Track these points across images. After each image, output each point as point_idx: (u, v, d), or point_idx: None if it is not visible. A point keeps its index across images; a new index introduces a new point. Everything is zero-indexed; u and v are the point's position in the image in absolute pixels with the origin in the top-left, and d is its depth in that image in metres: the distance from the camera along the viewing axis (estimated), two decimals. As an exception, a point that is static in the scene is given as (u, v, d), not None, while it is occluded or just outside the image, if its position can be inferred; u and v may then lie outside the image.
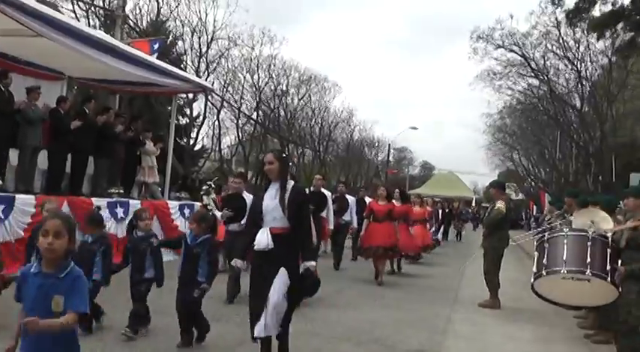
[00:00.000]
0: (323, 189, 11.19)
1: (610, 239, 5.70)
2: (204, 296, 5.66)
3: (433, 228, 19.40)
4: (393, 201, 11.72)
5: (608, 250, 5.48)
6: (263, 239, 4.91)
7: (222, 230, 8.92)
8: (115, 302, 6.48)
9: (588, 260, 5.18)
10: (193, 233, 5.76)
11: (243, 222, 9.54)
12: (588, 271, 5.16)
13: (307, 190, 9.89)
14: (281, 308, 4.80)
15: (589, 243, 5.27)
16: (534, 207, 47.85)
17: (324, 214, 10.71)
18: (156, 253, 6.00)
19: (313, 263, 4.96)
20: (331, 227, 11.37)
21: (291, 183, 5.11)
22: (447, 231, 27.36)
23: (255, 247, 4.94)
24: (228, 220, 8.76)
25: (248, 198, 8.88)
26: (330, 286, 8.42)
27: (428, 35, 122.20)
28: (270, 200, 5.04)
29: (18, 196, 8.75)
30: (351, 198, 13.51)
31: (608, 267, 5.44)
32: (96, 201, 10.25)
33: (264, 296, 4.81)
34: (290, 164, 5.87)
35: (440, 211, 23.53)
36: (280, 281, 4.83)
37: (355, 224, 13.26)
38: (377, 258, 11.09)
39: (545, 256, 5.52)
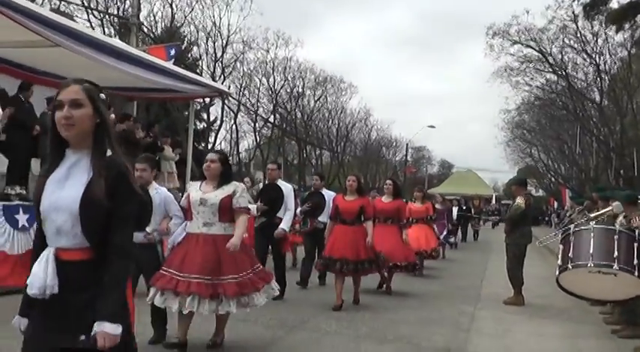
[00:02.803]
0: (281, 182, 8.76)
1: (637, 233, 5.63)
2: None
3: (445, 230, 16.81)
4: (382, 199, 9.77)
5: (635, 244, 5.41)
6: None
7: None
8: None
9: (615, 254, 5.11)
10: None
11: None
12: (615, 265, 5.09)
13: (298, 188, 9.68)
14: None
15: (616, 237, 5.20)
16: (555, 202, 47.55)
17: (281, 214, 8.35)
18: None
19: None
20: (284, 228, 8.24)
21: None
22: (466, 232, 25.08)
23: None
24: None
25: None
26: (352, 285, 8.40)
27: (442, 32, 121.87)
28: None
29: (41, 204, 8.79)
30: (328, 194, 10.02)
31: (636, 261, 5.37)
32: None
33: None
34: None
35: (455, 209, 21.55)
36: None
37: None
38: (337, 276, 8.09)
39: (571, 249, 5.46)
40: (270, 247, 8.47)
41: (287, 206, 8.37)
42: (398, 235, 9.46)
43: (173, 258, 5.29)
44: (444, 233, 16.43)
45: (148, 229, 5.44)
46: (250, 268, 5.38)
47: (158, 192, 5.69)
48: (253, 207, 7.81)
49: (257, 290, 5.34)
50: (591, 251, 5.19)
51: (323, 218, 9.54)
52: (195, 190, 5.50)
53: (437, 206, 15.55)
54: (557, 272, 5.57)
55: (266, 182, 8.47)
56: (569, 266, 5.33)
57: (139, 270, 5.42)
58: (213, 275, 5.12)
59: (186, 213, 5.53)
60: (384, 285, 9.80)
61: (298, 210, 9.69)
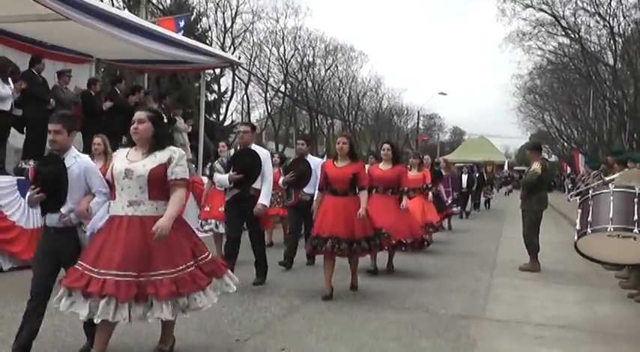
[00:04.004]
0: (256, 146, 7.44)
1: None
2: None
3: (450, 199, 15.61)
4: (380, 166, 8.41)
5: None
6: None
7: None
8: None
9: (635, 217, 5.06)
10: None
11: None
12: (636, 228, 5.04)
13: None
14: None
15: (636, 200, 5.15)
16: (568, 168, 47.31)
17: (257, 185, 7.18)
18: None
19: None
20: (264, 203, 7.13)
21: None
22: (478, 201, 23.93)
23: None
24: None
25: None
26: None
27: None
28: None
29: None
30: (315, 161, 8.69)
31: (656, 225, 5.31)
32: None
33: None
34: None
35: (465, 177, 20.02)
36: None
37: None
38: (327, 257, 6.86)
39: (590, 213, 5.40)
40: (245, 224, 7.38)
41: (265, 175, 7.19)
42: (397, 208, 8.20)
43: (89, 249, 4.16)
44: (449, 201, 15.23)
45: (62, 209, 4.28)
46: (192, 259, 4.23)
47: (77, 161, 4.36)
48: (224, 177, 7.14)
49: (200, 288, 4.19)
50: (611, 215, 5.14)
51: (309, 189, 8.45)
52: (120, 159, 4.30)
53: (442, 172, 14.86)
54: (575, 237, 5.53)
55: (239, 148, 7.40)
56: (589, 230, 5.28)
57: (57, 262, 4.35)
58: (140, 271, 3.98)
59: (111, 190, 4.34)
60: (388, 265, 8.74)
61: (281, 179, 8.72)
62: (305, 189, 8.60)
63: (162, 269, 4.03)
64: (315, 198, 7.48)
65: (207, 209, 9.08)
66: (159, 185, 4.18)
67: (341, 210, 6.73)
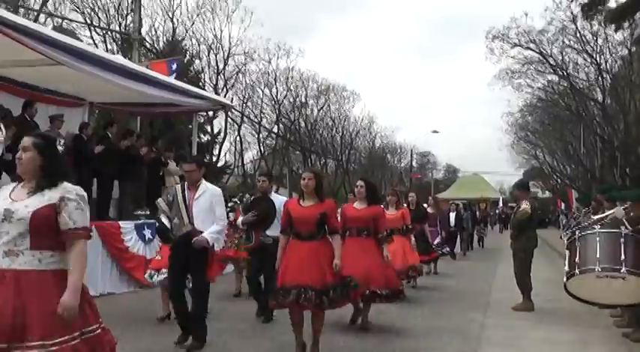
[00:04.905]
0: (208, 184, 6.44)
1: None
2: None
3: (438, 239, 14.58)
4: (354, 205, 7.46)
5: (642, 246, 5.38)
6: None
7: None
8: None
9: (622, 257, 5.09)
10: None
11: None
12: (623, 268, 5.07)
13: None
14: None
15: (622, 240, 5.19)
16: (562, 204, 47.41)
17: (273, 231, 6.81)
18: None
19: None
20: (207, 237, 6.06)
21: None
22: (471, 239, 23.11)
23: None
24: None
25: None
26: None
27: (442, 37, 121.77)
28: None
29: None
30: (279, 200, 7.60)
31: (643, 263, 5.33)
32: (123, 224, 10.35)
33: None
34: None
35: (452, 215, 19.04)
36: None
37: None
38: (292, 311, 5.82)
39: (578, 254, 5.44)
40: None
41: (216, 214, 6.29)
42: (376, 252, 7.21)
43: None
44: (437, 241, 14.30)
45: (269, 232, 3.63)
46: (78, 330, 3.24)
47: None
48: (166, 221, 6.37)
49: None
50: (598, 255, 5.18)
51: (273, 231, 7.20)
52: (2, 198, 3.39)
53: (429, 210, 13.78)
54: (564, 279, 5.54)
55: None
56: (577, 271, 5.31)
57: None
58: (11, 340, 3.09)
59: None
60: (360, 319, 7.55)
61: (240, 219, 8.09)
62: (268, 231, 7.49)
63: (36, 341, 3.10)
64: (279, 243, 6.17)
65: (158, 258, 7.78)
66: (44, 231, 3.25)
67: (305, 257, 5.71)
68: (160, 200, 6.63)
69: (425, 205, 13.94)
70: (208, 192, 6.26)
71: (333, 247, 5.83)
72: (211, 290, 6.49)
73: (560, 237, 8.68)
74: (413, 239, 10.15)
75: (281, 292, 5.68)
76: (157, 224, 7.32)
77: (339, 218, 6.66)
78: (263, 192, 7.86)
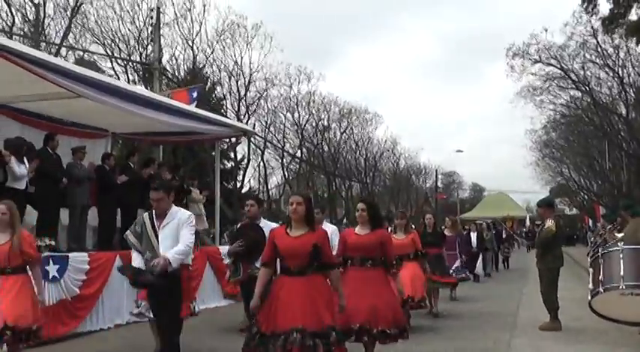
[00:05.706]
0: (178, 210, 5.94)
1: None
2: None
3: (457, 262, 13.05)
4: (356, 230, 6.18)
5: (666, 262, 5.30)
6: None
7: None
8: None
9: (646, 274, 5.03)
10: None
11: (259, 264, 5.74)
12: (647, 285, 5.00)
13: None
14: None
15: (645, 257, 5.13)
16: (589, 220, 46.83)
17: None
18: None
19: None
20: (169, 257, 5.43)
21: None
22: (496, 259, 22.29)
23: None
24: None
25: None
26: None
27: (464, 56, 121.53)
28: None
29: (71, 255, 8.94)
30: (270, 227, 6.35)
31: (669, 280, 5.25)
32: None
33: None
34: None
35: (474, 235, 18.03)
36: None
37: None
38: None
39: (602, 272, 5.37)
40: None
41: (184, 236, 5.67)
42: (382, 283, 5.96)
43: None
44: (456, 264, 12.88)
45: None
46: None
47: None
48: (135, 255, 5.84)
49: None
50: (622, 273, 5.11)
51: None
52: None
53: (446, 232, 12.76)
54: (589, 297, 5.47)
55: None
56: (601, 289, 5.24)
57: None
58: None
59: None
60: None
61: (225, 249, 7.53)
62: (258, 263, 6.18)
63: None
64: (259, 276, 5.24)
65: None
66: None
67: (295, 297, 4.86)
68: (128, 232, 6.02)
69: (443, 227, 13.19)
70: (176, 218, 5.68)
71: (328, 282, 5.09)
72: (215, 324, 6.14)
73: (587, 255, 8.59)
74: (427, 266, 9.39)
75: (259, 340, 4.80)
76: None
77: (335, 246, 6.09)
78: (251, 217, 7.08)
